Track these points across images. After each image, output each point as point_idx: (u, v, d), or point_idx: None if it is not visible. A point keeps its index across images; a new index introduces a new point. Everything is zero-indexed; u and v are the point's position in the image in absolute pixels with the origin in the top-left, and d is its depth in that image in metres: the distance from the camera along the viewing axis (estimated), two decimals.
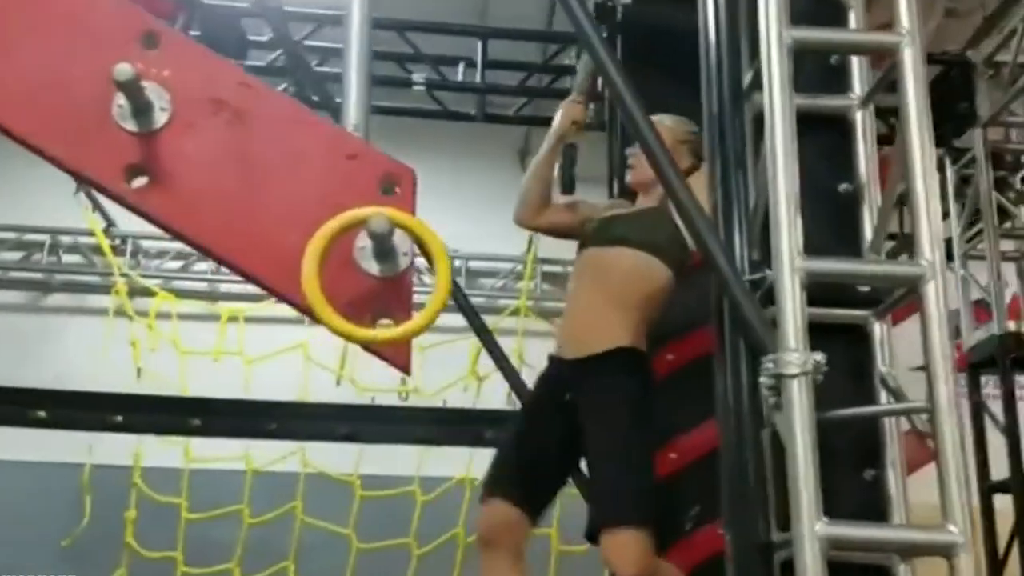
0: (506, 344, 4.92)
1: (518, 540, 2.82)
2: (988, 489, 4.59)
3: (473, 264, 7.86)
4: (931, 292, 1.82)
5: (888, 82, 2.15)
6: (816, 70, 2.22)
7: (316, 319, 1.63)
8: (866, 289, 2.06)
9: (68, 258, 7.69)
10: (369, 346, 1.68)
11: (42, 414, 5.33)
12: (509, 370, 3.67)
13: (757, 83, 2.16)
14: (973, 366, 4.49)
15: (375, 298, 1.68)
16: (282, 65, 5.01)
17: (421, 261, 1.73)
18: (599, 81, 3.38)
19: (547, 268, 7.86)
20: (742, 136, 2.12)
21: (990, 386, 5.05)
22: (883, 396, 2.03)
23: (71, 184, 6.81)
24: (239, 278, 6.98)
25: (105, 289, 7.39)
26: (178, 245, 7.63)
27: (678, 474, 3.33)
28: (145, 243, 7.69)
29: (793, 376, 1.76)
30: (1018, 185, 5.29)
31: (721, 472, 2.04)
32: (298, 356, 7.00)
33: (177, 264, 7.73)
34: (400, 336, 1.62)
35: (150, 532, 6.62)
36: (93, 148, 1.67)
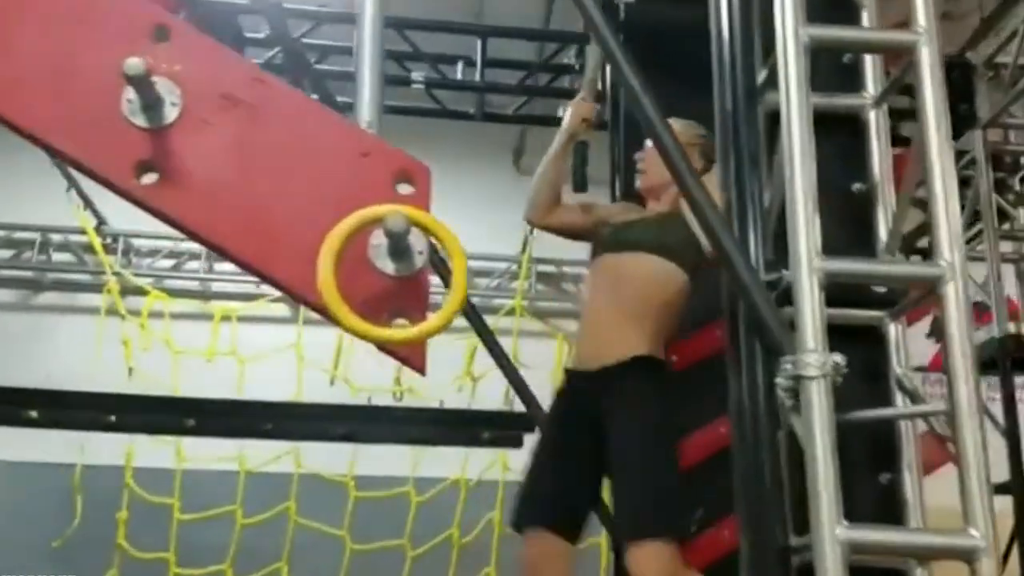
0: (501, 344, 4.89)
1: (565, 568, 2.74)
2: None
3: (468, 264, 7.81)
4: (951, 293, 1.80)
5: (902, 82, 2.14)
6: (828, 69, 2.20)
7: (331, 319, 1.60)
8: (881, 290, 2.04)
9: (59, 256, 7.63)
10: (384, 346, 1.65)
11: (34, 414, 5.29)
12: (510, 370, 3.64)
13: (771, 81, 2.14)
14: None
15: (390, 297, 1.65)
16: (280, 63, 4.98)
17: None
18: (598, 81, 3.35)
19: (542, 268, 7.84)
20: (756, 135, 2.10)
21: (988, 388, 5.05)
22: (899, 398, 2.01)
23: (62, 182, 6.77)
24: (231, 277, 7.03)
25: (96, 288, 7.33)
26: (170, 244, 7.59)
27: (683, 476, 3.30)
28: (136, 242, 7.63)
29: (812, 378, 1.74)
30: (1017, 187, 5.29)
31: (734, 475, 2.02)
32: (291, 356, 6.96)
33: (169, 263, 7.68)
34: (417, 336, 1.59)
35: (142, 533, 6.56)
36: (101, 144, 1.63)
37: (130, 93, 1.65)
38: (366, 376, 6.78)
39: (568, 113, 3.21)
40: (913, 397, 1.96)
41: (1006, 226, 5.20)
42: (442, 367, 6.86)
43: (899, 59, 2.38)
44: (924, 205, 2.09)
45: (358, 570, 6.68)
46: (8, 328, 7.32)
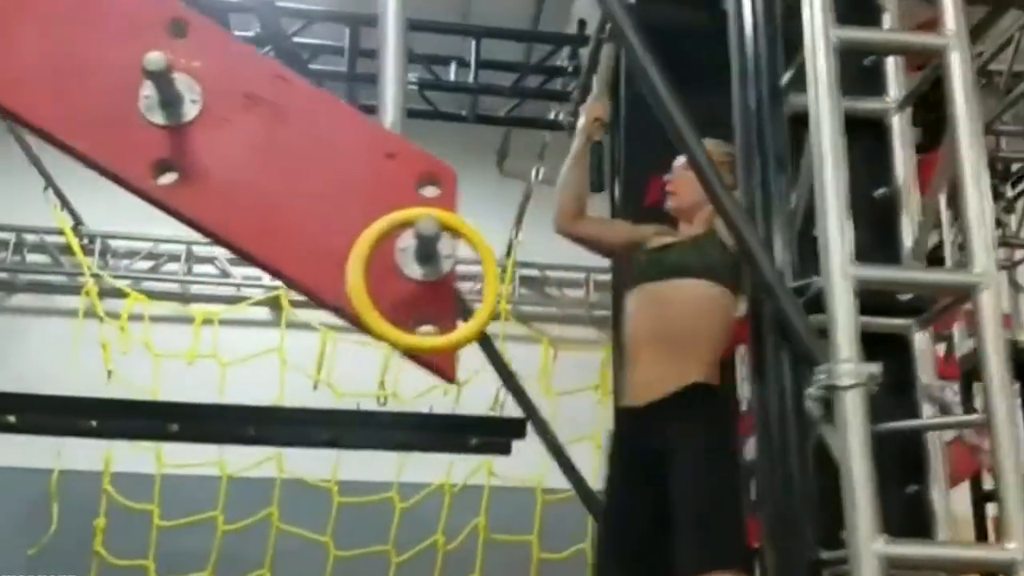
0: None
1: None
2: (980, 498, 4.59)
3: None
4: (986, 301, 1.77)
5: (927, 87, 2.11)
6: (849, 71, 2.17)
7: (356, 324, 1.55)
8: (907, 297, 2.01)
9: (33, 257, 7.48)
10: (412, 354, 1.60)
11: (12, 419, 5.15)
12: (507, 375, 3.58)
13: (794, 83, 2.11)
14: (966, 375, 4.48)
15: (417, 303, 1.60)
16: None
17: None
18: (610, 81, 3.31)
19: (525, 272, 7.79)
20: (782, 136, 2.06)
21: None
22: (925, 409, 1.98)
23: (37, 180, 6.63)
24: (211, 279, 6.90)
25: (72, 289, 7.19)
26: (148, 245, 7.47)
27: None
28: (114, 243, 7.50)
29: (848, 388, 1.70)
30: (1009, 193, 5.32)
31: (758, 486, 1.98)
32: (274, 360, 6.87)
33: (147, 264, 7.55)
34: (450, 345, 1.54)
35: (120, 540, 6.43)
36: (118, 142, 1.57)
37: (147, 89, 1.59)
38: (350, 381, 6.71)
39: (581, 115, 3.16)
40: (943, 407, 1.93)
41: (997, 233, 5.22)
42: (426, 372, 6.78)
43: (917, 63, 2.36)
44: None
45: None
46: None
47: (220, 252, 7.32)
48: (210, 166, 1.60)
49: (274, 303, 7.16)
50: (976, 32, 4.94)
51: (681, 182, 2.91)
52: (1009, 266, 5.50)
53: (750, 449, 3.78)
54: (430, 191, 1.67)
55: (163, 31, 1.63)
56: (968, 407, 4.77)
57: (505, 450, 5.39)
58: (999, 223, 5.24)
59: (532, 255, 7.43)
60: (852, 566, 1.62)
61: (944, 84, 1.93)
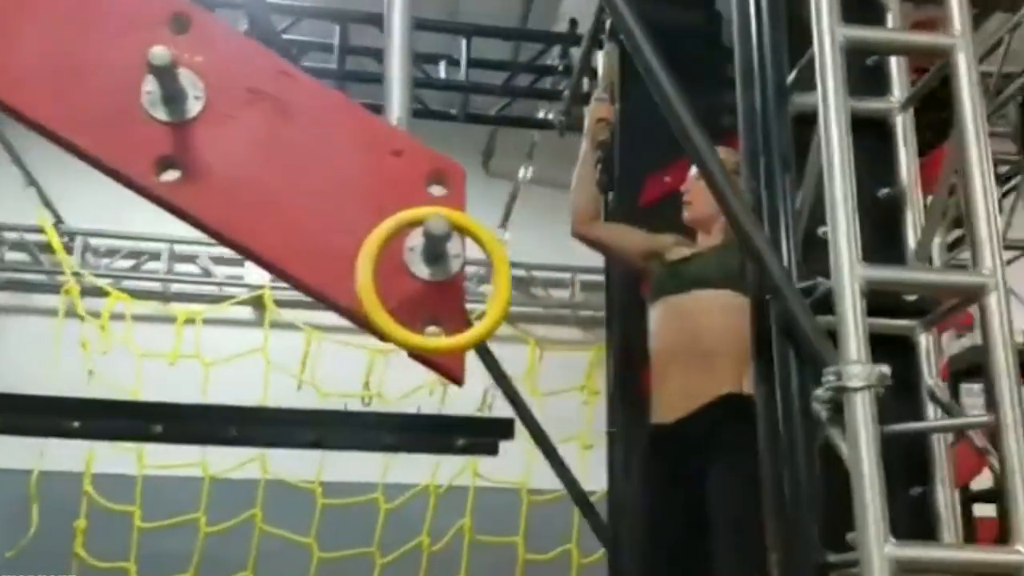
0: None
1: None
2: (968, 499, 4.61)
3: None
4: (994, 303, 1.76)
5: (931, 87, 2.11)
6: (852, 71, 2.16)
7: (362, 324, 1.52)
8: (912, 298, 2.00)
9: (12, 255, 7.39)
10: (418, 355, 1.57)
11: None
12: (499, 375, 3.56)
13: (799, 83, 2.10)
14: (954, 376, 4.50)
15: (425, 303, 1.57)
16: None
17: None
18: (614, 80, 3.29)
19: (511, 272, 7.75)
20: (787, 136, 2.04)
21: (970, 395, 5.07)
22: (931, 410, 1.97)
23: (16, 177, 6.55)
24: (193, 278, 6.82)
25: (52, 288, 7.12)
26: (129, 243, 7.39)
27: None
28: (94, 241, 7.42)
29: (857, 389, 1.68)
30: (997, 196, 5.32)
31: (763, 489, 1.97)
32: (257, 360, 6.82)
33: (128, 263, 7.47)
34: (460, 346, 1.51)
35: (101, 542, 6.37)
36: (120, 138, 1.53)
37: (149, 85, 1.55)
38: (334, 381, 6.67)
39: (586, 117, 3.14)
40: (948, 409, 1.92)
41: None
42: (411, 372, 6.75)
43: (916, 64, 2.35)
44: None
45: None
46: None
47: (202, 251, 7.26)
48: (214, 163, 1.56)
49: (257, 302, 7.11)
50: None
51: (697, 192, 2.88)
52: None
53: None
54: (437, 190, 1.64)
55: (165, 26, 1.59)
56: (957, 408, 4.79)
57: (492, 451, 5.37)
58: None
59: (518, 255, 7.40)
60: (863, 569, 1.61)
61: (951, 84, 1.92)
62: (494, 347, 7.14)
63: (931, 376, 1.99)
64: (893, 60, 2.19)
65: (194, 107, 1.56)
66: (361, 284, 1.45)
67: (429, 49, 5.07)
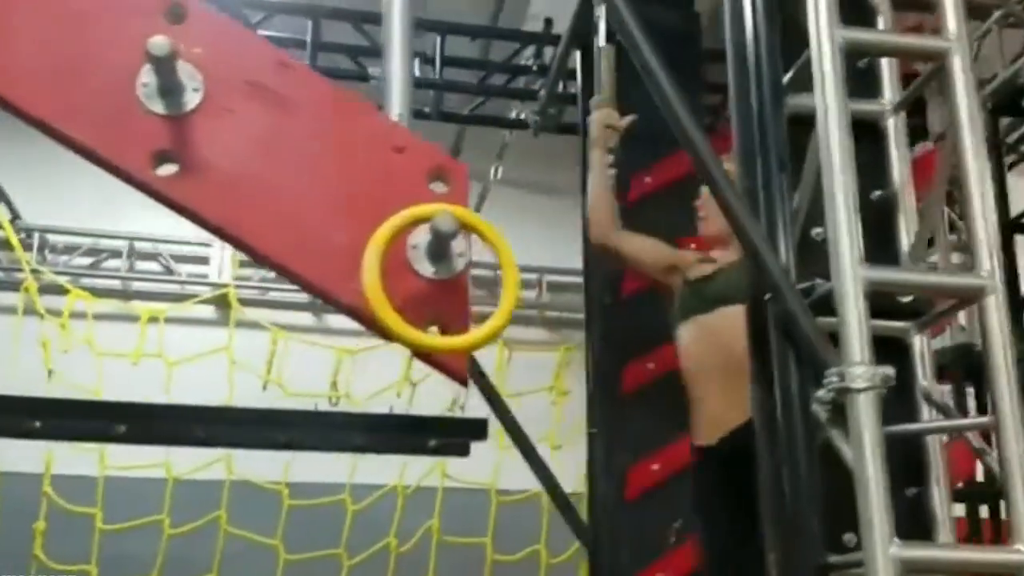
0: None
1: None
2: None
3: None
4: (992, 305, 1.77)
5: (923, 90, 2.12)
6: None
7: (369, 323, 1.49)
8: (907, 299, 2.00)
9: None
10: (421, 354, 1.54)
11: None
12: (478, 375, 3.53)
13: (794, 84, 2.10)
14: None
15: (429, 302, 1.54)
16: None
17: None
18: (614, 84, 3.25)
19: (477, 272, 7.68)
20: (783, 137, 2.04)
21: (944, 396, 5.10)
22: (925, 412, 1.98)
23: None
24: (154, 276, 6.70)
25: (10, 285, 6.94)
26: (89, 240, 7.24)
27: (661, 486, 3.25)
28: (52, 237, 7.26)
29: (861, 390, 1.68)
30: None
31: (761, 490, 1.96)
32: (221, 359, 6.72)
33: (87, 260, 7.32)
34: (470, 345, 1.48)
35: (61, 544, 6.24)
36: (117, 131, 1.49)
37: (145, 76, 1.51)
38: (300, 381, 6.60)
39: (591, 125, 3.11)
40: (944, 411, 1.93)
41: (952, 237, 5.30)
42: (382, 373, 6.71)
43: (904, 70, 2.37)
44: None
45: None
46: None
47: (164, 248, 7.14)
48: (212, 157, 1.52)
49: (222, 301, 7.01)
50: None
51: (712, 207, 2.86)
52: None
53: None
54: (439, 187, 1.61)
55: (161, 16, 1.55)
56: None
57: (463, 452, 5.32)
58: (954, 227, 5.32)
59: (483, 255, 7.36)
60: (868, 570, 1.60)
61: (947, 87, 1.92)
62: None
63: (925, 378, 2.00)
64: (884, 63, 2.20)
65: (192, 100, 1.52)
66: (368, 281, 1.42)
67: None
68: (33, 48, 1.48)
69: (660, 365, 3.33)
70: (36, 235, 7.14)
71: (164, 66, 1.46)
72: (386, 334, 1.45)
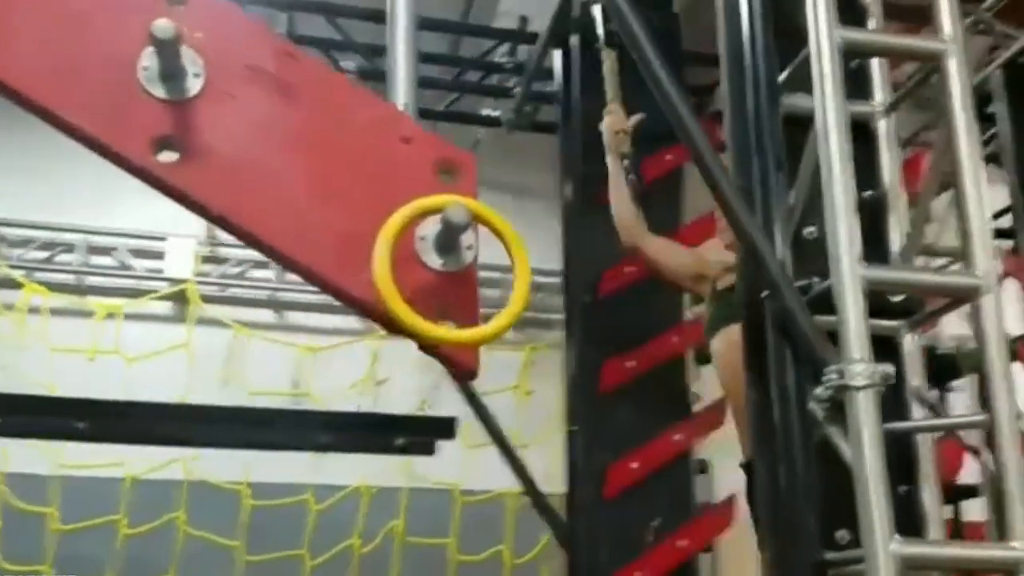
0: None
1: None
2: None
3: None
4: (988, 305, 1.79)
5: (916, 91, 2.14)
6: None
7: (377, 316, 1.46)
8: (898, 299, 2.02)
9: None
10: (429, 347, 1.51)
11: None
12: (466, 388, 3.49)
13: (789, 83, 2.10)
14: None
15: (437, 294, 1.51)
16: None
17: None
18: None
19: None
20: (781, 138, 2.05)
21: None
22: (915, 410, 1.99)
23: None
24: (109, 271, 6.56)
25: None
26: (44, 234, 7.07)
27: (640, 484, 3.25)
28: (4, 230, 7.08)
29: (860, 388, 1.69)
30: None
31: (757, 487, 1.97)
32: (180, 356, 6.61)
33: (42, 254, 7.15)
34: (482, 337, 1.46)
35: (14, 544, 6.07)
36: (117, 116, 1.44)
37: (145, 60, 1.47)
38: (261, 379, 6.51)
39: (604, 133, 3.10)
40: (935, 409, 1.95)
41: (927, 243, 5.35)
42: (340, 371, 6.65)
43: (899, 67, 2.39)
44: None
45: None
46: None
47: (120, 243, 6.99)
48: (214, 144, 1.49)
49: (180, 297, 6.89)
50: None
51: None
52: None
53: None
54: (447, 178, 1.59)
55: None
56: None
57: (429, 451, 5.30)
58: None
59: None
60: (868, 567, 1.61)
61: (942, 89, 1.94)
62: None
63: (916, 376, 2.02)
64: (875, 63, 2.22)
65: (194, 85, 1.49)
66: (379, 273, 1.39)
67: (376, 40, 4.95)
68: (33, 33, 1.43)
69: (640, 363, 3.34)
70: None
71: (168, 50, 1.43)
72: (395, 327, 1.43)
